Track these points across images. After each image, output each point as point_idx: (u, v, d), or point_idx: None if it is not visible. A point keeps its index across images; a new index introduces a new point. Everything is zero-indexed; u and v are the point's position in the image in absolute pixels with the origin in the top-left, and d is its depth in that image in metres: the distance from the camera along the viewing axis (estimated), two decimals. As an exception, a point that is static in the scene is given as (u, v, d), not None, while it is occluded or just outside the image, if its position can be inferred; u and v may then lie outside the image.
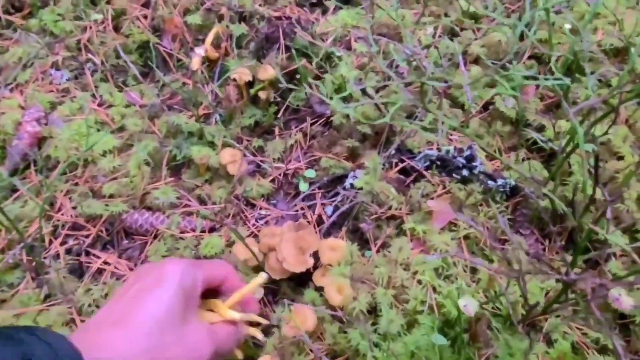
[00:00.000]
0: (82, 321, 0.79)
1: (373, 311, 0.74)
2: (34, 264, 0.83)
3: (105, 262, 0.87)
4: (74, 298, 0.80)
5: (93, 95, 1.03)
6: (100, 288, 0.81)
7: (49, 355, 0.45)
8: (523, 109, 0.91)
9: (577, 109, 0.52)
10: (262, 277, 0.66)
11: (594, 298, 0.45)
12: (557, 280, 0.73)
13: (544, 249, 0.81)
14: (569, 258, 0.76)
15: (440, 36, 1.07)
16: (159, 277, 0.58)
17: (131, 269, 0.86)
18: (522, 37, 1.04)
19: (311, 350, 0.70)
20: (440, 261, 0.75)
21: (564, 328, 0.70)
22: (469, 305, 0.58)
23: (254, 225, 0.93)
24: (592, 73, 0.88)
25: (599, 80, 0.86)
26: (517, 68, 0.96)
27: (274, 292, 0.86)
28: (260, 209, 0.95)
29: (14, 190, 0.92)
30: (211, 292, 0.67)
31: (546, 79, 0.58)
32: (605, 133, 0.64)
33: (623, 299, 0.46)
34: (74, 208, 0.90)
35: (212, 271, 0.65)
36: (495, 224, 0.81)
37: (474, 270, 0.75)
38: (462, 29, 1.10)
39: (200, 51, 1.04)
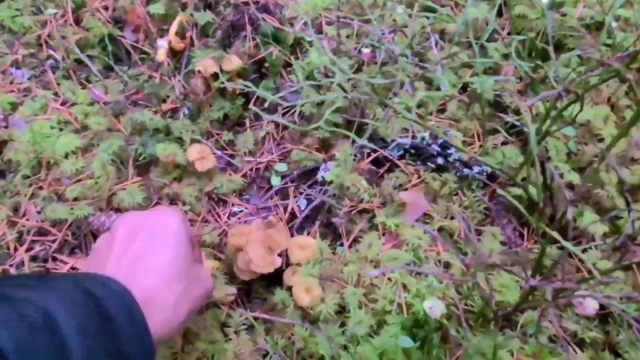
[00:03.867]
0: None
1: (343, 311, 0.71)
2: (-2, 273, 0.81)
3: (73, 268, 0.84)
4: (39, 307, 0.78)
5: (55, 94, 0.99)
6: (67, 295, 0.79)
7: (102, 289, 0.47)
8: (500, 89, 0.87)
9: (540, 97, 0.48)
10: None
11: (552, 305, 0.42)
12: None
13: (522, 238, 0.78)
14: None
15: (414, 15, 1.02)
16: (166, 227, 0.59)
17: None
18: (500, 14, 0.99)
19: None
20: (411, 256, 0.72)
21: (543, 322, 0.67)
22: (435, 307, 0.56)
23: (226, 222, 0.90)
24: (571, 49, 0.84)
25: (579, 57, 0.81)
26: (494, 47, 0.91)
27: (246, 292, 0.83)
28: (233, 205, 0.92)
29: (-24, 197, 0.89)
30: None
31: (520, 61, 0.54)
32: (575, 118, 0.59)
33: (587, 304, 0.43)
34: (38, 213, 0.87)
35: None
36: (472, 214, 0.78)
37: (447, 265, 0.72)
38: (442, 6, 1.04)
39: (164, 43, 1.00)
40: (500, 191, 0.55)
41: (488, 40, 0.95)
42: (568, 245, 0.40)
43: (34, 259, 0.85)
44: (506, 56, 0.94)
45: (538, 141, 0.58)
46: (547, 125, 0.52)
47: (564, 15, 0.90)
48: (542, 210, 0.48)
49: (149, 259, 0.55)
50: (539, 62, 0.56)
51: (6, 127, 0.94)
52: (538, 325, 0.50)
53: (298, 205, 0.89)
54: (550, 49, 0.56)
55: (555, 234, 0.42)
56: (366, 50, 0.86)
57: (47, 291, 0.43)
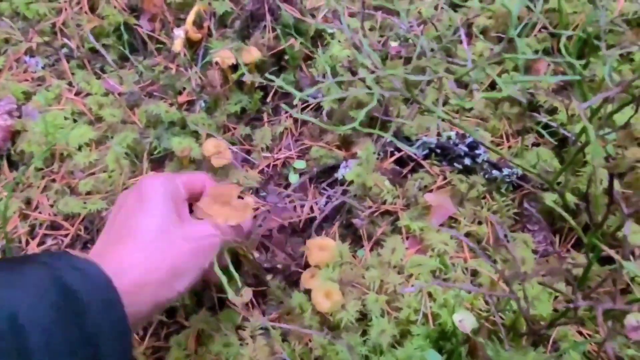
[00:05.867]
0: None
1: (364, 318, 0.68)
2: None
3: (85, 263, 0.82)
4: (50, 303, 0.76)
5: (69, 84, 0.97)
6: (79, 292, 0.77)
7: (79, 278, 0.44)
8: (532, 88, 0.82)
9: (590, 103, 0.43)
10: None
11: (608, 337, 0.38)
12: (568, 283, 0.66)
13: (552, 246, 0.74)
14: (580, 258, 0.68)
15: (442, 7, 0.97)
16: (142, 193, 0.60)
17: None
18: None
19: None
20: (437, 262, 0.68)
21: (574, 335, 0.64)
22: (465, 320, 0.52)
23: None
24: (611, 47, 0.79)
25: (620, 55, 0.76)
26: (526, 42, 0.86)
27: (263, 293, 0.81)
28: (249, 202, 0.89)
29: (-12, 188, 0.87)
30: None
31: (556, 60, 0.50)
32: (628, 121, 0.55)
33: (641, 328, 0.39)
34: (51, 206, 0.85)
35: (190, 178, 0.68)
36: (501, 219, 0.74)
37: (474, 273, 0.68)
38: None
39: (180, 32, 0.96)
40: (550, 203, 0.51)
41: (519, 36, 0.90)
42: (630, 266, 0.37)
43: (45, 253, 0.83)
44: (538, 52, 0.89)
45: (582, 147, 0.54)
46: (595, 129, 0.48)
47: (602, 7, 0.85)
48: (600, 224, 0.44)
49: (128, 223, 0.57)
50: (578, 61, 0.52)
51: (19, 117, 0.92)
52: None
53: (317, 204, 0.85)
54: (603, 45, 0.52)
55: (613, 253, 0.38)
56: (394, 44, 0.81)
57: (16, 290, 0.40)
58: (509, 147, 0.84)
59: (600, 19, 0.52)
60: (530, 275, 0.46)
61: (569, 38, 0.75)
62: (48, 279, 0.42)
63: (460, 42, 0.89)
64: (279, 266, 0.83)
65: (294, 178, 0.89)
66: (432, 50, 0.76)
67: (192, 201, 0.68)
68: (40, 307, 0.39)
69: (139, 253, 0.54)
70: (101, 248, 0.57)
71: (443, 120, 0.71)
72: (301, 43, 0.94)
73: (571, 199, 0.66)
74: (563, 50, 0.44)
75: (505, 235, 0.50)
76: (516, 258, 0.47)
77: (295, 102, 0.85)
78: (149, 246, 0.55)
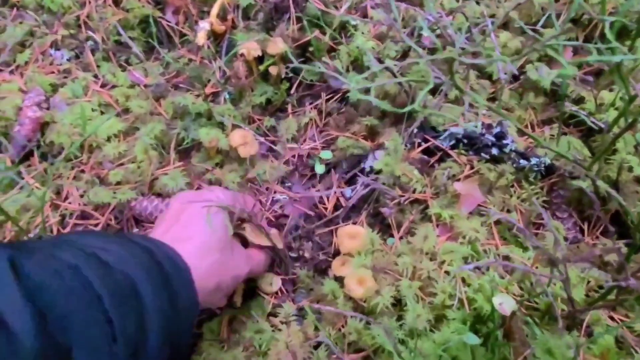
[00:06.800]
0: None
1: (397, 304, 0.69)
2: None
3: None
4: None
5: (95, 76, 0.98)
6: (111, 280, 0.78)
7: (165, 256, 0.57)
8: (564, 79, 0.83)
9: None
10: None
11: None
12: (599, 269, 0.67)
13: (582, 233, 0.74)
14: (610, 245, 0.69)
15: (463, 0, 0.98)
16: (211, 202, 0.67)
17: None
18: (557, -2, 0.94)
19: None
20: (469, 249, 0.69)
21: (606, 320, 0.64)
22: (505, 303, 0.53)
23: (269, 210, 0.88)
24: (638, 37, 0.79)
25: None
26: (550, 33, 0.87)
27: (292, 281, 0.82)
28: (275, 192, 0.90)
29: (20, 178, 0.88)
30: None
31: (597, 50, 0.50)
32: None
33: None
34: (81, 196, 0.86)
35: (245, 203, 0.76)
36: (530, 207, 0.75)
37: (506, 259, 0.69)
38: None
39: (205, 25, 0.97)
40: (585, 188, 0.51)
41: (543, 26, 0.91)
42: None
43: (77, 242, 0.84)
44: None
45: (619, 134, 0.55)
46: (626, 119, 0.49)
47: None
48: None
49: (190, 229, 0.65)
50: (617, 43, 0.52)
51: (47, 108, 0.93)
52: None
53: (343, 194, 0.86)
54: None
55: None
56: (426, 34, 0.82)
57: (129, 259, 0.53)
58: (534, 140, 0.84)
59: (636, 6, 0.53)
60: (574, 259, 0.47)
61: (595, 26, 0.75)
62: (153, 262, 0.55)
63: (485, 33, 0.90)
64: (307, 255, 0.84)
65: (319, 168, 0.90)
66: (465, 43, 0.77)
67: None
68: (148, 282, 0.52)
69: (203, 258, 0.62)
70: (170, 241, 0.62)
71: (474, 108, 0.71)
72: (324, 34, 0.95)
73: (603, 186, 0.67)
74: (608, 34, 0.44)
75: (547, 217, 0.50)
76: (556, 239, 0.48)
77: (345, 87, 0.87)
78: (211, 251, 0.64)
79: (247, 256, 0.72)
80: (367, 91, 0.83)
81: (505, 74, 0.93)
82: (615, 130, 0.64)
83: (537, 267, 0.65)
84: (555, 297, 0.59)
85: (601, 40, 0.74)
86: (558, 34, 0.41)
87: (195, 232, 0.64)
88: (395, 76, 0.84)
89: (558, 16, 0.79)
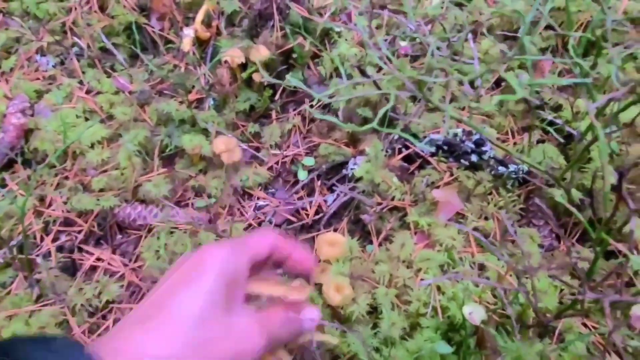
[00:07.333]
0: (76, 322, 0.76)
1: (374, 311, 0.70)
2: (25, 262, 0.81)
3: (99, 259, 0.84)
4: (66, 298, 0.78)
5: (80, 82, 0.98)
6: (93, 287, 0.79)
7: None
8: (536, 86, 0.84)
9: (599, 104, 0.45)
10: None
11: (621, 324, 0.40)
12: (573, 276, 0.68)
13: (558, 240, 0.75)
14: (585, 252, 0.70)
15: (447, 7, 0.99)
16: (196, 266, 0.49)
17: (125, 265, 0.83)
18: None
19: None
20: (445, 257, 0.70)
21: (578, 327, 0.65)
22: (475, 313, 0.54)
23: (251, 216, 0.89)
24: (615, 45, 0.80)
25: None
26: (531, 40, 0.87)
27: (272, 287, 0.82)
28: (258, 198, 0.91)
29: (3, 185, 0.89)
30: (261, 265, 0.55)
31: (564, 59, 0.51)
32: (634, 120, 0.57)
33: (647, 318, 0.41)
34: (64, 203, 0.87)
35: (258, 249, 0.54)
36: (507, 214, 0.76)
37: (482, 267, 0.70)
38: (471, -2, 1.01)
39: (189, 31, 0.98)
40: (559, 198, 0.52)
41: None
42: (638, 260, 0.38)
43: (60, 249, 0.84)
44: (543, 50, 0.91)
45: (589, 144, 0.56)
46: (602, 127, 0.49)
47: (608, 8, 0.86)
48: (609, 219, 0.46)
49: (166, 301, 0.47)
50: (585, 62, 0.53)
51: (32, 115, 0.93)
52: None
53: (325, 201, 0.87)
54: (609, 45, 0.53)
55: (622, 248, 0.40)
56: (403, 43, 0.83)
57: None
58: (514, 144, 0.85)
59: (607, 20, 0.54)
60: (540, 269, 0.48)
61: (562, 37, 0.76)
62: None
63: (466, 40, 0.91)
64: (289, 261, 0.84)
65: (302, 175, 0.90)
66: (438, 48, 0.77)
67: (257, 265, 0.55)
68: None
69: (167, 343, 0.44)
70: (125, 326, 0.47)
71: (451, 117, 0.72)
72: (311, 42, 0.95)
73: (576, 194, 0.68)
74: (571, 51, 0.45)
75: (515, 231, 0.51)
76: (524, 252, 0.49)
77: (314, 102, 0.86)
78: (180, 337, 0.45)
79: (259, 321, 0.50)
80: (327, 105, 0.84)
81: (487, 79, 0.94)
82: (588, 138, 0.65)
83: (511, 275, 0.66)
84: (526, 305, 0.59)
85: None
86: (511, 55, 0.42)
87: (170, 308, 0.47)
88: (376, 84, 0.85)
89: (535, 23, 0.80)
